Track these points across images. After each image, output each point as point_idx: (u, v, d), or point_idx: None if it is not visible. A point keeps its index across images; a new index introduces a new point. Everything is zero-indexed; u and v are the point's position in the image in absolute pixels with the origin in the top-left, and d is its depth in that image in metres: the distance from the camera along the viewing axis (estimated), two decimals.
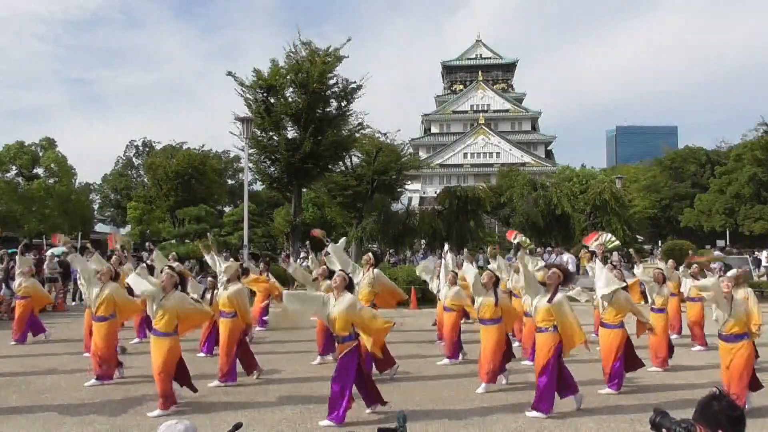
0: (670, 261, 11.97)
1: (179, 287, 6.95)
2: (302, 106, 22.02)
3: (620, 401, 7.16)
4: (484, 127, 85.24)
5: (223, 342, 8.09)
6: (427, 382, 8.20)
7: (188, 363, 7.23)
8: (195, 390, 7.13)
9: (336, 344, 6.59)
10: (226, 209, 50.95)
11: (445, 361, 9.53)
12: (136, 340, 11.08)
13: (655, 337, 8.89)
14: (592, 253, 8.55)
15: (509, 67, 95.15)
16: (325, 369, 8.99)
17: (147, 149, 62.25)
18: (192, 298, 7.63)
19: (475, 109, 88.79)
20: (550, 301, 6.68)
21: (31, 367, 8.98)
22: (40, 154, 46.20)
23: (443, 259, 10.42)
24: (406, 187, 36.54)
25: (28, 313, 11.46)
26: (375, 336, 6.53)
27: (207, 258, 11.17)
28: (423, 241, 28.36)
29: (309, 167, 22.61)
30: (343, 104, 23.30)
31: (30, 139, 46.85)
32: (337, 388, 6.20)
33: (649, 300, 9.78)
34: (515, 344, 10.16)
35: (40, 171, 46.18)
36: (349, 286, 6.57)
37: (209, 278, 10.78)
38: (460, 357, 9.70)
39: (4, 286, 14.59)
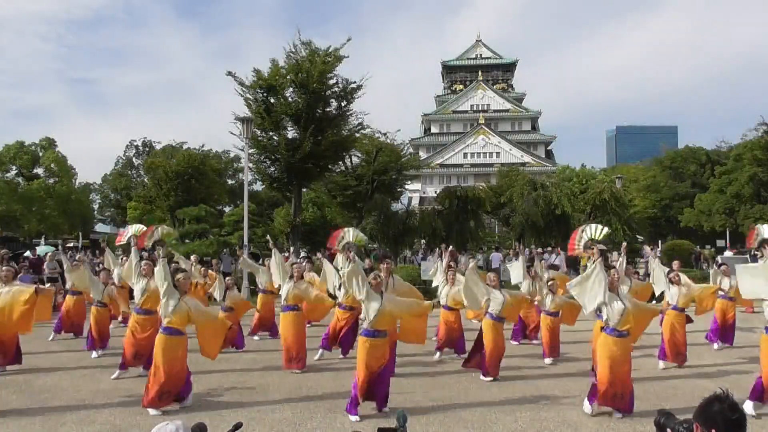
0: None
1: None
2: (302, 106, 21.99)
3: None
4: (484, 127, 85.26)
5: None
6: (427, 382, 8.19)
7: (190, 361, 7.22)
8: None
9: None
10: (226, 209, 50.85)
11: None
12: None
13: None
14: (602, 251, 8.23)
15: (509, 67, 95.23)
16: (325, 369, 8.99)
17: (147, 149, 62.18)
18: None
19: (475, 109, 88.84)
20: None
21: (31, 367, 8.96)
22: (40, 154, 46.20)
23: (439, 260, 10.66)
24: (406, 187, 36.51)
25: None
26: None
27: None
28: (423, 241, 28.35)
29: (309, 167, 22.58)
30: (343, 104, 23.25)
31: (30, 139, 46.94)
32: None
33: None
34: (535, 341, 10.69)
35: (40, 171, 46.18)
36: None
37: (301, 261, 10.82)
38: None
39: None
